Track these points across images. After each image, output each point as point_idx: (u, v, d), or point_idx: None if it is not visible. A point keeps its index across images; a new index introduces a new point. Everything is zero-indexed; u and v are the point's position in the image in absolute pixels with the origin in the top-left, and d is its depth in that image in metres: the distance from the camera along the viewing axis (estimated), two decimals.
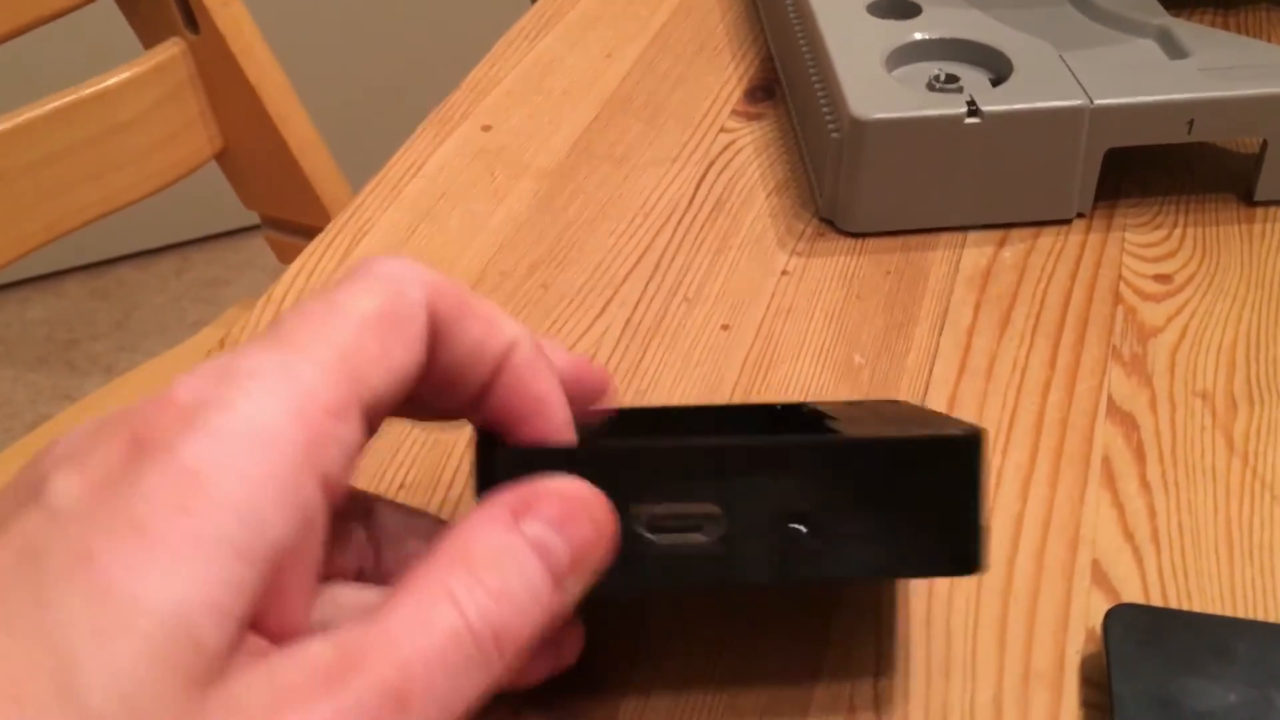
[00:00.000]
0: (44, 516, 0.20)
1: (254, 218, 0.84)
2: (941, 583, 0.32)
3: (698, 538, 0.24)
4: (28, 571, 0.19)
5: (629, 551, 0.24)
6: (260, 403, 0.21)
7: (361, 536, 0.27)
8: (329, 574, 0.26)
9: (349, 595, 0.25)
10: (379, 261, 0.24)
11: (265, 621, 0.21)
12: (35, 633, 0.18)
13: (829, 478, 0.24)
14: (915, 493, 0.25)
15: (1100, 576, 0.32)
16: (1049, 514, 0.33)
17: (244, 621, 0.20)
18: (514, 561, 0.22)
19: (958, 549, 0.25)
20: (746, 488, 0.24)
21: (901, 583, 0.32)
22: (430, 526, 0.28)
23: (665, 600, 0.31)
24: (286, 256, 0.85)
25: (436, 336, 0.24)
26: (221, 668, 0.19)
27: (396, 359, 0.23)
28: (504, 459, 0.24)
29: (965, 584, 0.31)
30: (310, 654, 0.20)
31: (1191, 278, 0.41)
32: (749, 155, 0.49)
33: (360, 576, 0.27)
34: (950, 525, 0.25)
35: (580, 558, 0.23)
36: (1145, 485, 0.34)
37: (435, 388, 0.25)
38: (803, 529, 0.24)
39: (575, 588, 0.23)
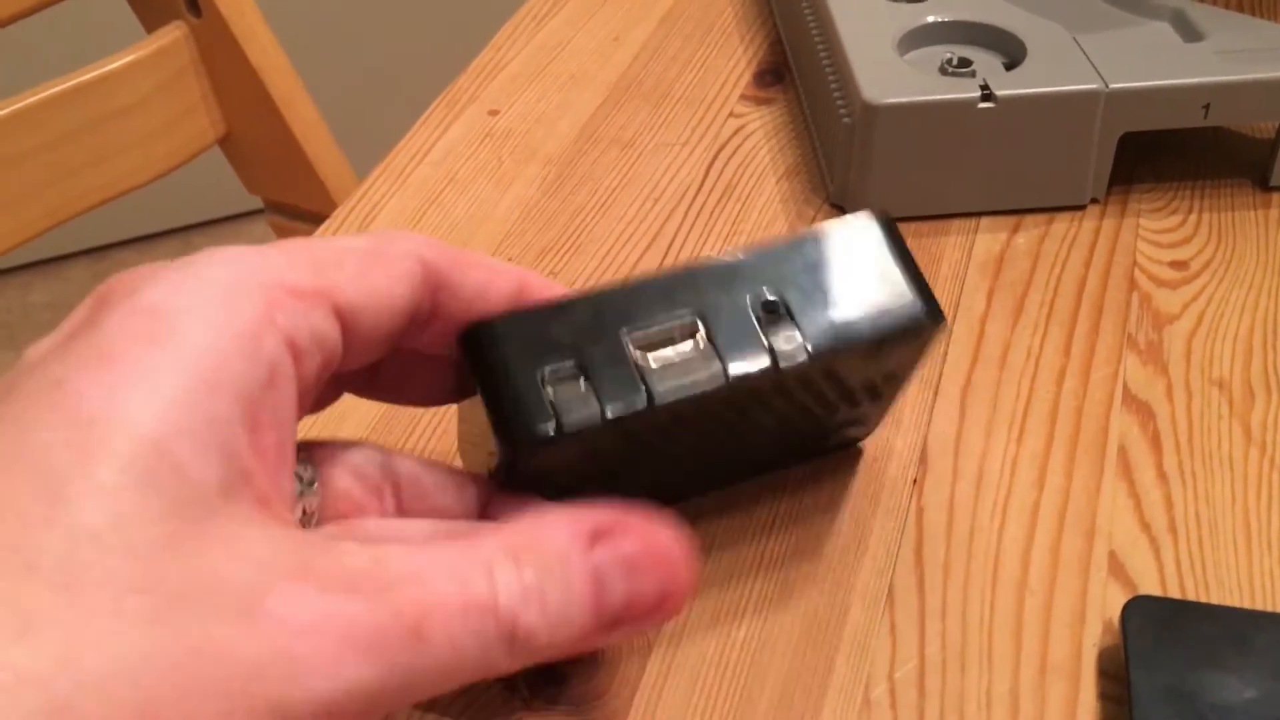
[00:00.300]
0: (15, 369, 0.21)
1: (256, 202, 0.83)
2: (957, 569, 0.31)
3: (687, 350, 0.26)
4: (1, 407, 0.19)
5: (631, 375, 0.25)
6: (222, 267, 0.22)
7: (380, 481, 0.27)
8: (352, 510, 0.26)
9: (379, 525, 0.26)
10: (386, 231, 0.26)
11: (250, 470, 0.20)
12: (18, 455, 0.18)
13: (782, 271, 0.27)
14: (858, 270, 0.27)
15: (1117, 568, 0.31)
16: (1065, 504, 0.33)
17: (228, 458, 0.20)
18: (562, 576, 0.22)
19: (911, 301, 0.27)
20: (720, 292, 0.26)
21: (913, 562, 0.31)
22: (447, 477, 0.27)
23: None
24: None
25: (439, 286, 0.25)
26: (213, 506, 0.19)
27: (379, 284, 0.24)
28: (492, 323, 0.25)
29: (980, 578, 0.31)
30: (344, 551, 0.20)
31: (1207, 264, 0.41)
32: (759, 140, 0.48)
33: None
34: (900, 285, 0.27)
35: (635, 611, 0.23)
36: (1162, 475, 0.34)
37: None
38: (776, 317, 0.26)
39: (620, 633, 0.23)
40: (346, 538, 0.22)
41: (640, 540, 0.23)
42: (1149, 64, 0.42)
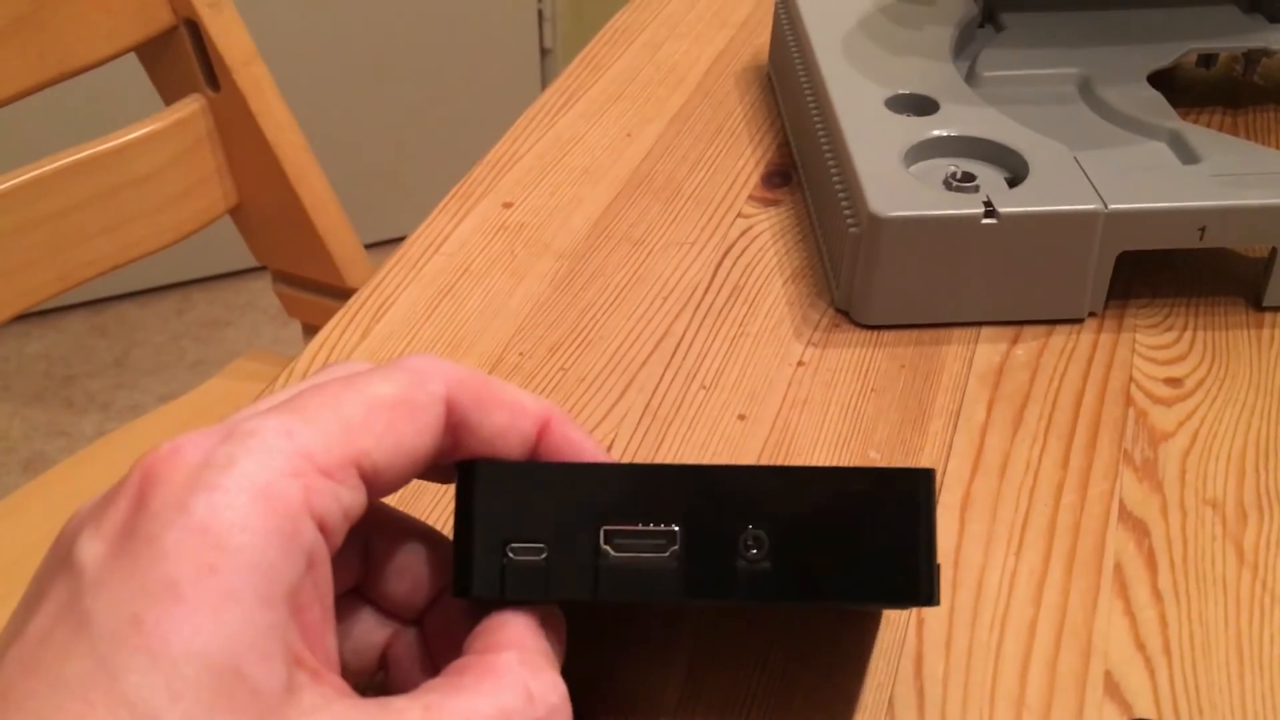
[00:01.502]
0: (77, 582, 0.22)
1: (255, 259, 0.84)
2: (956, 684, 0.32)
3: (655, 555, 0.26)
4: (82, 642, 0.21)
5: (589, 564, 0.26)
6: (260, 460, 0.23)
7: (358, 555, 0.29)
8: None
9: (367, 626, 0.29)
10: (411, 357, 0.27)
11: (302, 656, 0.23)
12: (113, 699, 0.20)
13: (784, 503, 0.27)
14: (867, 523, 0.27)
15: (1113, 688, 0.32)
16: (1062, 621, 0.34)
17: (288, 660, 0.22)
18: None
19: (908, 580, 0.26)
20: (705, 508, 0.26)
21: (912, 675, 0.32)
22: (418, 541, 0.29)
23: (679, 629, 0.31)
24: (296, 311, 0.86)
25: (460, 425, 0.27)
26: (281, 705, 0.22)
27: (404, 440, 0.25)
28: (484, 472, 0.27)
29: (979, 693, 0.32)
30: (398, 710, 0.23)
31: (1201, 382, 0.42)
32: (766, 241, 0.50)
33: (356, 590, 0.30)
34: (901, 557, 0.26)
35: None
36: (1157, 594, 0.34)
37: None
38: (755, 551, 0.26)
39: None
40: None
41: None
42: (1147, 186, 0.44)
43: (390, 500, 0.29)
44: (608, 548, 0.26)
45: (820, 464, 0.39)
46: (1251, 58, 0.57)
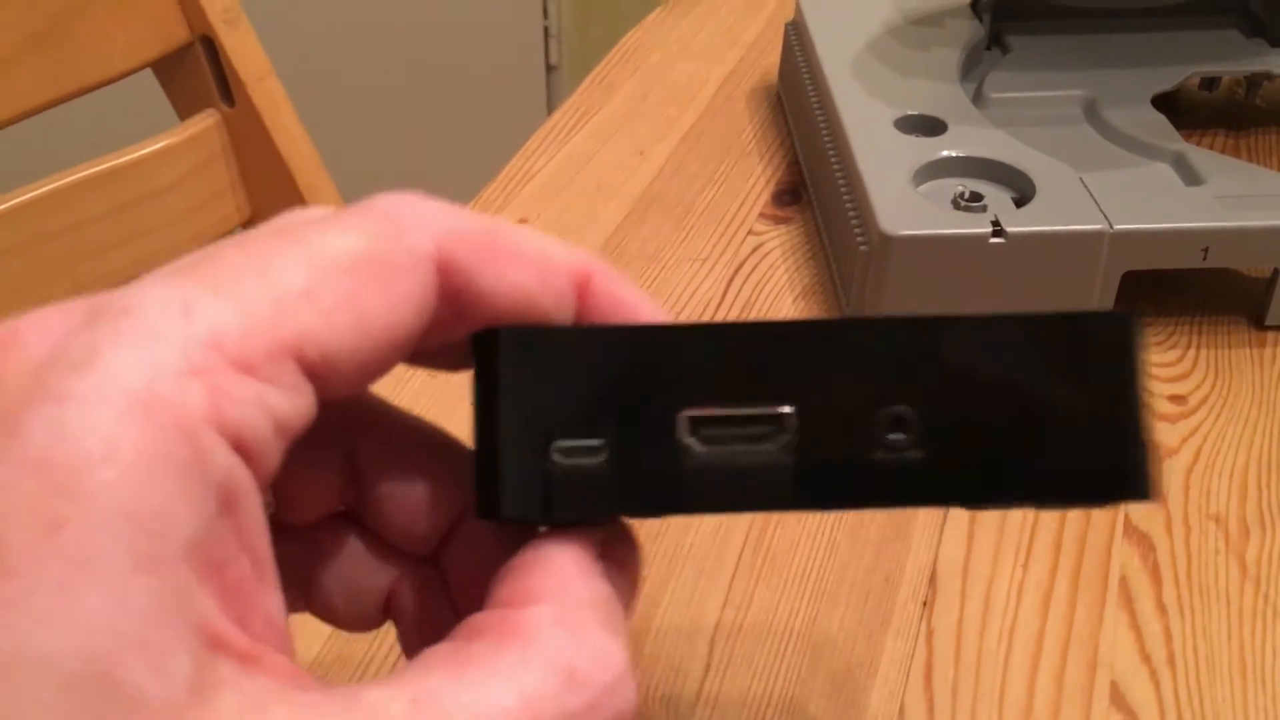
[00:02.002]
0: None
1: None
2: (965, 692, 0.33)
3: (762, 448, 0.19)
4: None
5: (668, 464, 0.19)
6: (139, 351, 0.15)
7: (337, 468, 0.22)
8: (299, 518, 0.22)
9: (363, 564, 0.22)
10: (381, 197, 0.19)
11: (222, 635, 0.16)
12: None
13: (938, 365, 0.19)
14: (1054, 387, 0.19)
15: (1119, 698, 0.33)
16: (1069, 633, 0.34)
17: (196, 645, 0.15)
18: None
19: (1113, 462, 0.19)
20: (827, 379, 0.19)
21: (923, 684, 0.33)
22: (425, 450, 0.22)
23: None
24: None
25: (462, 290, 0.19)
26: (182, 714, 0.15)
27: (371, 315, 0.17)
28: (510, 341, 0.19)
29: (987, 703, 0.32)
30: (372, 704, 0.16)
31: (1205, 400, 0.43)
32: (776, 258, 0.50)
33: (345, 515, 0.22)
34: (1102, 430, 0.19)
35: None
36: (1161, 607, 0.35)
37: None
38: (900, 435, 0.19)
39: None
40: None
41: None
42: (1151, 206, 0.44)
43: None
44: (692, 440, 0.19)
45: None
46: (1254, 81, 0.58)
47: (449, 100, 1.77)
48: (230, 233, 0.81)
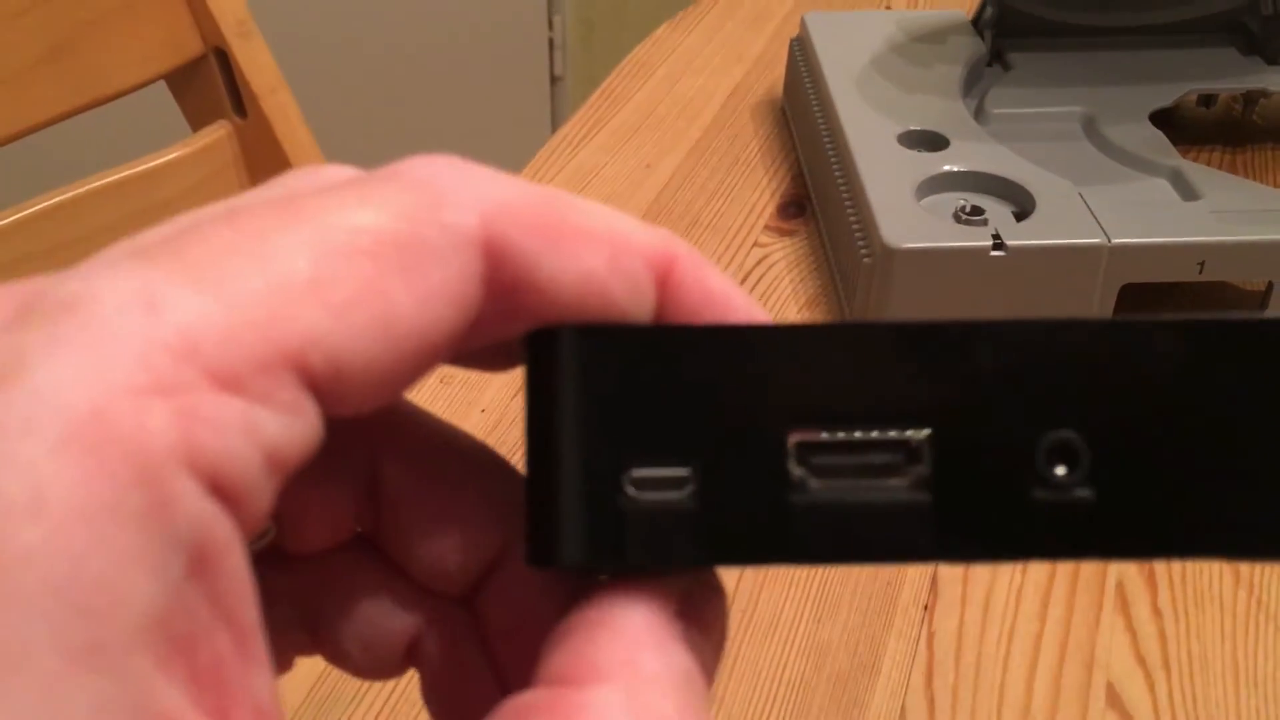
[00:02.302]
0: None
1: None
2: (965, 692, 0.34)
3: (891, 483, 0.15)
4: None
5: (773, 501, 0.15)
6: (79, 362, 0.12)
7: (354, 486, 0.18)
8: (306, 547, 0.18)
9: (381, 603, 0.18)
10: (415, 160, 0.15)
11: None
12: None
13: (1118, 385, 0.15)
14: (1257, 416, 0.15)
15: (1114, 699, 0.33)
16: (1066, 635, 0.35)
17: None
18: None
19: None
20: (973, 397, 0.15)
21: (924, 685, 0.34)
22: (463, 471, 0.18)
23: None
24: None
25: (517, 279, 0.15)
26: None
27: (397, 313, 0.14)
28: (575, 344, 0.15)
29: (987, 702, 0.33)
30: None
31: None
32: (781, 270, 0.51)
33: (361, 541, 0.18)
34: None
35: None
36: (1157, 611, 0.36)
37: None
38: (1065, 470, 0.15)
39: None
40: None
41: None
42: (1149, 221, 0.45)
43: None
44: (802, 471, 0.15)
45: None
46: (1250, 98, 0.59)
47: (455, 111, 1.78)
48: None
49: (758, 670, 0.34)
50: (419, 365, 0.14)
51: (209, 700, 0.12)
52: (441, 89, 1.76)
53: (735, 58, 0.68)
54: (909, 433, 0.15)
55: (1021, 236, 0.45)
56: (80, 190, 0.73)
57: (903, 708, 0.33)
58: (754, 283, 0.50)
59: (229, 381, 0.12)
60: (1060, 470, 0.15)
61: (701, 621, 0.15)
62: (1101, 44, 0.58)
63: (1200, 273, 0.45)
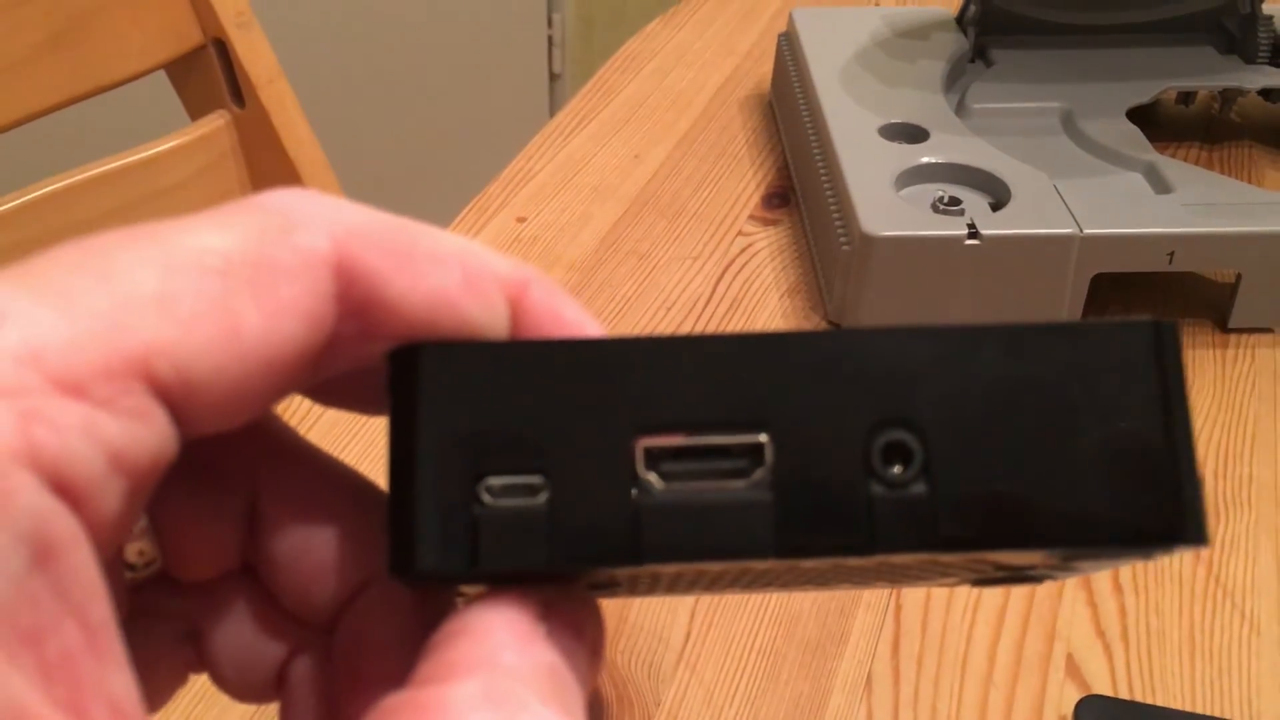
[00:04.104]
0: None
1: None
2: (930, 662, 0.35)
3: (734, 485, 0.16)
4: None
5: (621, 505, 0.16)
6: None
7: (236, 517, 0.18)
8: (193, 574, 0.18)
9: (258, 631, 0.18)
10: (269, 192, 0.16)
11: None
12: None
13: (944, 383, 0.16)
14: (1084, 412, 0.16)
15: (1074, 669, 0.35)
16: (1029, 609, 0.36)
17: None
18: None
19: (1160, 505, 0.16)
20: (811, 400, 0.16)
21: (890, 654, 0.35)
22: (334, 499, 0.18)
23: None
24: None
25: (369, 300, 0.16)
26: None
27: (245, 327, 0.14)
28: (433, 359, 0.16)
29: (950, 672, 0.34)
30: None
31: None
32: (764, 258, 0.53)
33: (248, 572, 0.19)
34: (1144, 467, 0.16)
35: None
36: (1118, 586, 0.37)
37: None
38: (899, 468, 0.16)
39: None
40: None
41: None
42: (1121, 212, 0.47)
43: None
44: (651, 475, 0.16)
45: None
46: (1228, 96, 0.60)
47: (454, 106, 1.79)
48: None
49: (730, 638, 0.35)
50: (273, 380, 0.15)
51: (60, 692, 0.13)
52: (440, 85, 1.78)
53: (726, 52, 0.69)
54: (751, 436, 0.16)
55: (996, 226, 0.46)
56: (80, 177, 0.74)
57: (869, 675, 0.34)
58: (737, 270, 0.52)
59: (71, 387, 0.13)
60: (896, 469, 0.16)
61: (570, 625, 0.16)
62: (1082, 42, 0.60)
63: (1170, 263, 0.46)
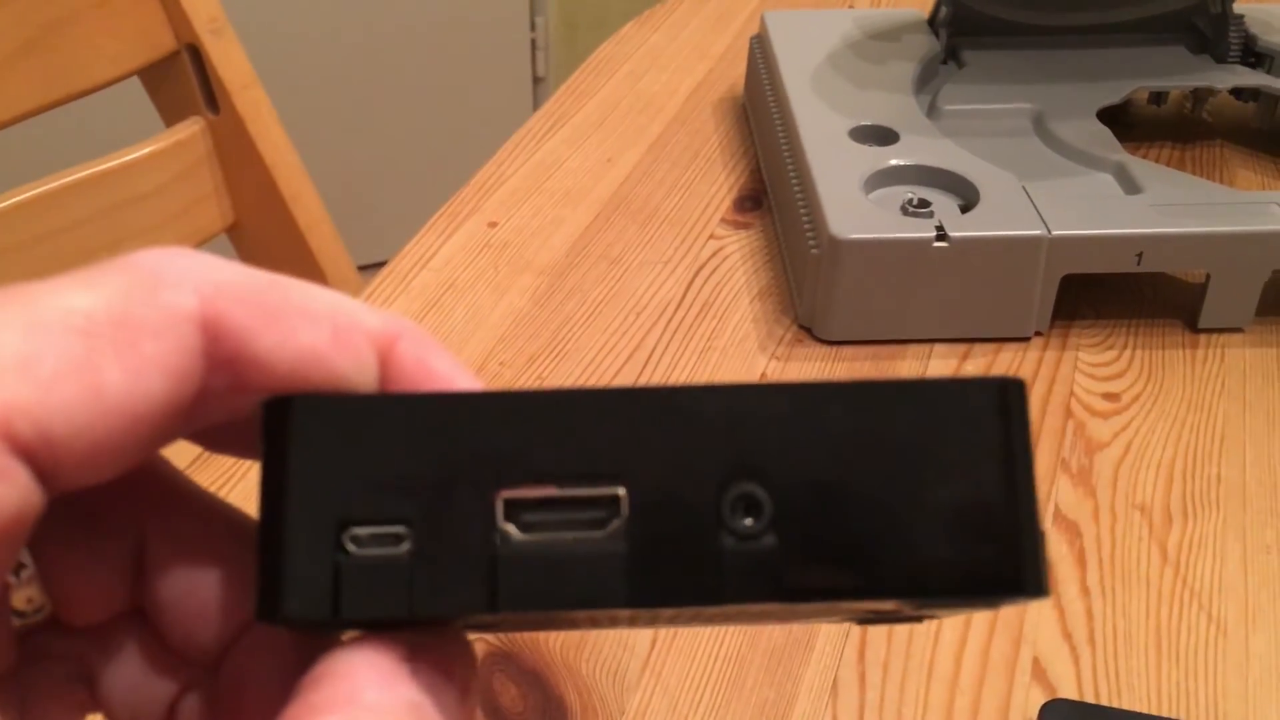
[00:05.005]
0: None
1: None
2: (896, 667, 0.35)
3: (590, 535, 0.17)
4: None
5: (479, 555, 0.16)
6: None
7: (122, 561, 0.19)
8: (82, 618, 0.19)
9: (149, 672, 0.19)
10: (142, 252, 0.16)
11: None
12: None
13: (793, 440, 0.17)
14: (928, 467, 0.17)
15: (1040, 672, 0.35)
16: (995, 613, 0.36)
17: None
18: None
19: (1002, 558, 0.16)
20: (666, 455, 0.17)
21: (856, 659, 0.35)
22: (218, 542, 0.19)
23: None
24: None
25: (238, 355, 0.16)
26: None
27: (108, 385, 0.15)
28: (303, 410, 0.17)
29: (916, 671, 0.34)
30: None
31: (1137, 397, 0.45)
32: (736, 261, 0.52)
33: (139, 615, 0.19)
34: (986, 520, 0.16)
35: None
36: (1085, 590, 0.37)
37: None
38: (750, 520, 0.17)
39: None
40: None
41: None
42: (1089, 214, 0.47)
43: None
44: (509, 526, 0.16)
45: None
46: (1199, 96, 0.60)
47: (435, 111, 1.79)
48: (214, 237, 0.83)
49: (695, 645, 0.35)
50: (140, 434, 0.16)
51: None
52: (422, 89, 1.77)
53: (699, 55, 0.69)
54: (608, 489, 0.16)
55: (964, 228, 0.46)
56: (54, 185, 0.73)
57: (835, 681, 0.34)
58: (709, 274, 0.52)
59: None
60: (746, 521, 0.16)
61: (437, 665, 0.16)
62: (1054, 43, 0.60)
63: (1139, 264, 0.46)
